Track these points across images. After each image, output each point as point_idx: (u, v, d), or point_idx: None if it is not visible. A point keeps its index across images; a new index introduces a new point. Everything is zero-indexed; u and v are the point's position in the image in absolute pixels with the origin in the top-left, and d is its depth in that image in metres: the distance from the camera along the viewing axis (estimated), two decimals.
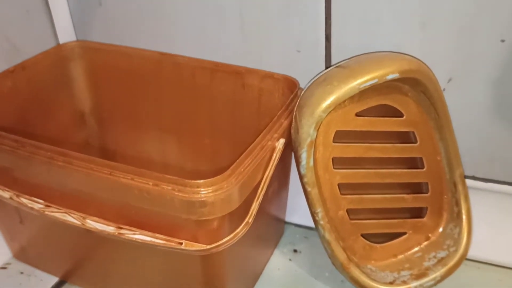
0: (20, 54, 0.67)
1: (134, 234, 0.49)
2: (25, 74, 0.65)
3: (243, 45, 0.64)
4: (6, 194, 0.54)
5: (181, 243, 0.47)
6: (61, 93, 0.72)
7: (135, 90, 0.71)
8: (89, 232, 0.50)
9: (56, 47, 0.70)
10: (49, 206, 0.52)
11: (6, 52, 0.65)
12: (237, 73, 0.63)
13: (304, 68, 0.62)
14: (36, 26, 0.69)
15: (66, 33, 0.72)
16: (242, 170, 0.46)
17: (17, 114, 0.65)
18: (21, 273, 0.66)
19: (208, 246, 0.46)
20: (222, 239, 0.47)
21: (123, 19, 0.70)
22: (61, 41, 0.72)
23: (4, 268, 0.67)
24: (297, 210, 0.71)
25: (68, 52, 0.71)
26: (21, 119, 0.66)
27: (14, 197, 0.54)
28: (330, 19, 0.58)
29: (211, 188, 0.44)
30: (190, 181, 0.44)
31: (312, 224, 0.71)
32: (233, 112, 0.66)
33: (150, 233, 0.48)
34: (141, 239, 0.48)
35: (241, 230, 0.47)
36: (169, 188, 0.44)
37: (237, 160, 0.46)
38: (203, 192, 0.44)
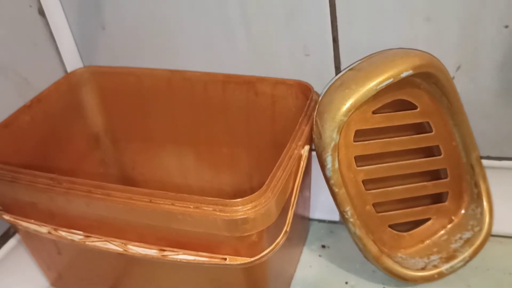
0: (30, 87, 0.68)
1: (177, 254, 0.50)
2: (40, 107, 0.66)
3: (252, 54, 0.65)
4: (43, 229, 0.56)
5: (225, 259, 0.49)
6: (75, 120, 0.73)
7: (147, 108, 0.72)
8: (131, 256, 0.52)
9: (66, 76, 0.71)
10: (89, 236, 0.53)
11: (18, 85, 0.66)
12: (249, 83, 0.65)
13: (314, 71, 0.64)
14: (43, 57, 0.70)
15: (72, 61, 0.72)
16: (276, 183, 0.48)
17: (37, 147, 0.66)
18: None
19: (252, 259, 0.48)
20: (263, 250, 0.49)
21: (128, 40, 0.70)
22: (69, 69, 0.72)
23: None
24: (318, 206, 0.73)
25: (78, 79, 0.72)
26: (40, 150, 0.67)
27: (52, 231, 0.55)
28: (336, 21, 0.60)
29: (250, 204, 0.46)
30: (230, 200, 0.45)
31: (335, 218, 0.74)
32: (247, 120, 0.68)
33: (193, 252, 0.50)
34: (185, 259, 0.50)
35: (281, 239, 0.49)
36: (210, 209, 0.46)
37: (270, 174, 0.48)
38: (243, 210, 0.45)
